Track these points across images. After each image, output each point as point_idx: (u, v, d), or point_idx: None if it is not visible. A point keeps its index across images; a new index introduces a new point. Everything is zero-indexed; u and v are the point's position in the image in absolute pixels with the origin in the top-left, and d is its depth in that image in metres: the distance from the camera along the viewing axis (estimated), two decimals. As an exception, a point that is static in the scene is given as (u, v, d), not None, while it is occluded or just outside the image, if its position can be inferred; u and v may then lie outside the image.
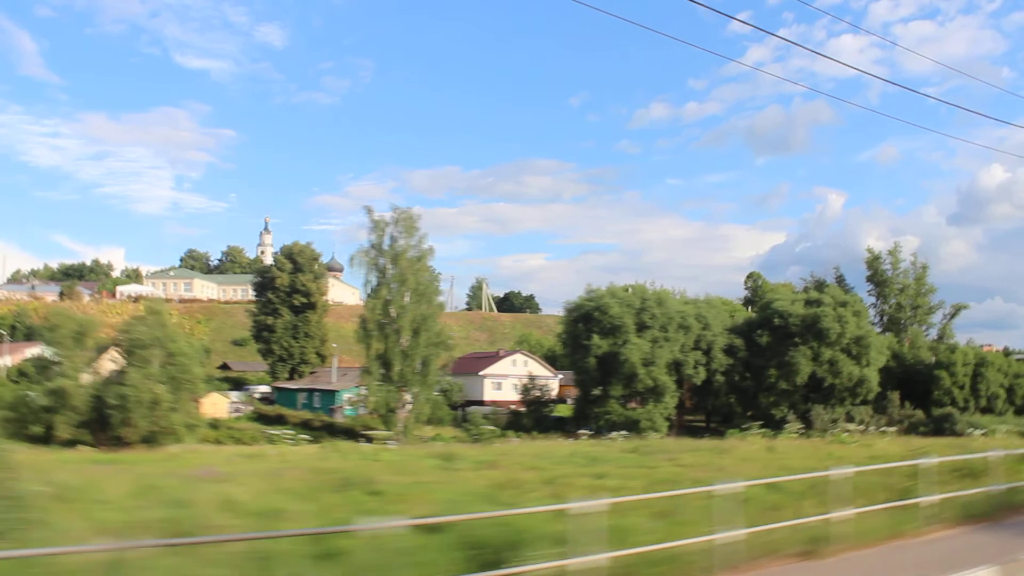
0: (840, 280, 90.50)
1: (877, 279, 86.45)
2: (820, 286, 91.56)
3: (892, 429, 57.62)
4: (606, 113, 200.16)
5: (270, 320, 75.39)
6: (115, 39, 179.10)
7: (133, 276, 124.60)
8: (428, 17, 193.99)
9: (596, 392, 58.16)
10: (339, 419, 61.04)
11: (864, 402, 64.20)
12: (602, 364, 56.84)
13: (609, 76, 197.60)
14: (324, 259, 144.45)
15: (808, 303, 61.41)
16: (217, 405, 65.77)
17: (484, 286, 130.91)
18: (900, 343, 69.27)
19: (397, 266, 50.97)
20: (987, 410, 64.05)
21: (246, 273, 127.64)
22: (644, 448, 33.66)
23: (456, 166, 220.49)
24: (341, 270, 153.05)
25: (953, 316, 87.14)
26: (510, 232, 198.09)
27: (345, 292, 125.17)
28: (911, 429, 57.52)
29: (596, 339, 56.54)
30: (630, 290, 62.91)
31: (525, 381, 64.76)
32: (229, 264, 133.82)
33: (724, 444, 34.72)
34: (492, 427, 60.39)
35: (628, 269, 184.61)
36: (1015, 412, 64.08)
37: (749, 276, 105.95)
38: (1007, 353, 69.34)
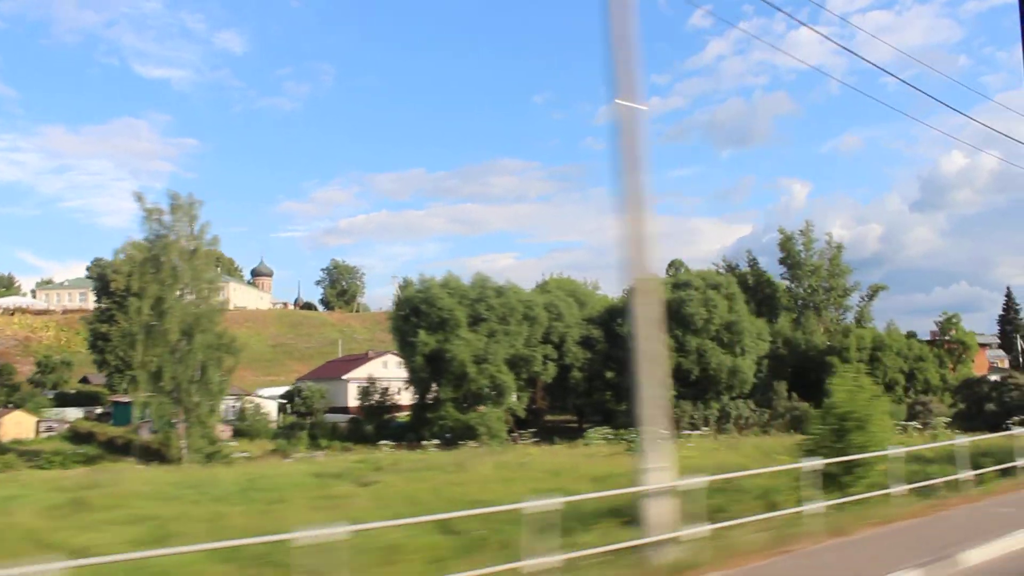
0: (753, 263, 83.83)
1: (790, 261, 79.81)
2: (731, 269, 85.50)
3: (751, 427, 50.98)
4: (571, 111, 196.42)
5: (104, 328, 68.08)
6: (71, 50, 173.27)
7: (7, 286, 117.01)
8: (388, 19, 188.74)
9: (430, 395, 51.16)
10: (145, 436, 53.85)
11: (746, 395, 57.45)
12: (432, 363, 49.78)
13: (573, 74, 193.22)
14: (251, 264, 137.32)
15: (676, 287, 54.45)
16: (22, 425, 58.74)
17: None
18: (797, 329, 62.32)
19: (169, 258, 43.91)
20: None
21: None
22: (352, 468, 26.95)
23: (421, 168, 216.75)
24: (271, 274, 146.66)
25: (871, 298, 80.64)
26: (478, 233, 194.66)
27: (251, 297, 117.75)
28: (794, 424, 50.72)
29: (423, 335, 49.49)
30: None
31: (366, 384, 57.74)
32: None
33: (471, 458, 28.40)
34: (327, 439, 53.66)
35: (596, 266, 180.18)
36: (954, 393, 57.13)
37: (671, 264, 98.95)
38: (911, 336, 62.41)
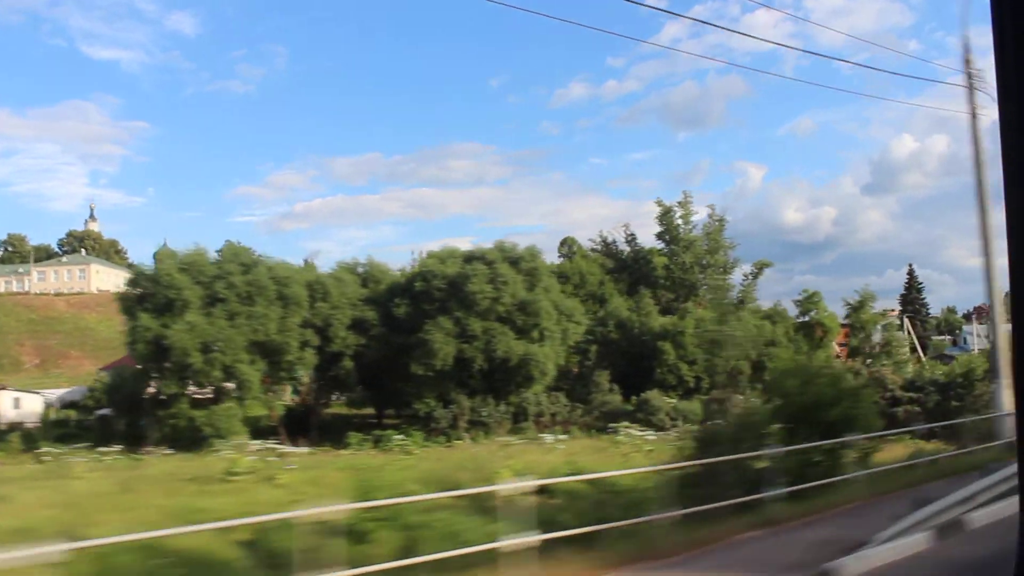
0: (631, 239, 75.97)
1: (668, 236, 71.92)
2: (607, 246, 77.70)
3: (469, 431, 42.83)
4: (526, 94, 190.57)
5: None
6: (15, 30, 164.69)
7: None
8: (342, 1, 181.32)
9: (166, 390, 43.17)
10: None
11: (564, 388, 49.68)
12: (158, 351, 41.85)
13: (528, 57, 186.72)
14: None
15: (467, 260, 46.39)
16: None
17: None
18: (633, 309, 54.38)
19: None
20: (725, 388, 49.41)
21: (29, 262, 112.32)
22: None
23: (378, 152, 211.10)
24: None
25: (756, 276, 72.91)
26: (436, 217, 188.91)
27: (111, 278, 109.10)
28: (609, 420, 43.03)
29: (145, 318, 41.50)
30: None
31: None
32: (11, 254, 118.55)
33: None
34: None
35: (554, 250, 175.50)
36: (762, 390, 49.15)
37: (563, 242, 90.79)
38: (768, 317, 54.59)
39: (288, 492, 20.59)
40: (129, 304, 44.06)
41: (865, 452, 16.43)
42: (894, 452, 21.87)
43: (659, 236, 71.98)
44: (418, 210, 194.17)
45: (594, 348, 52.25)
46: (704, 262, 69.59)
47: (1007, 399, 18.26)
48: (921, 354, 67.52)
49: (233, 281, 42.80)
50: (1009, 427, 18.39)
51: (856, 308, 51.66)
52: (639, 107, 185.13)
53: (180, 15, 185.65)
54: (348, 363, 45.63)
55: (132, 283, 45.10)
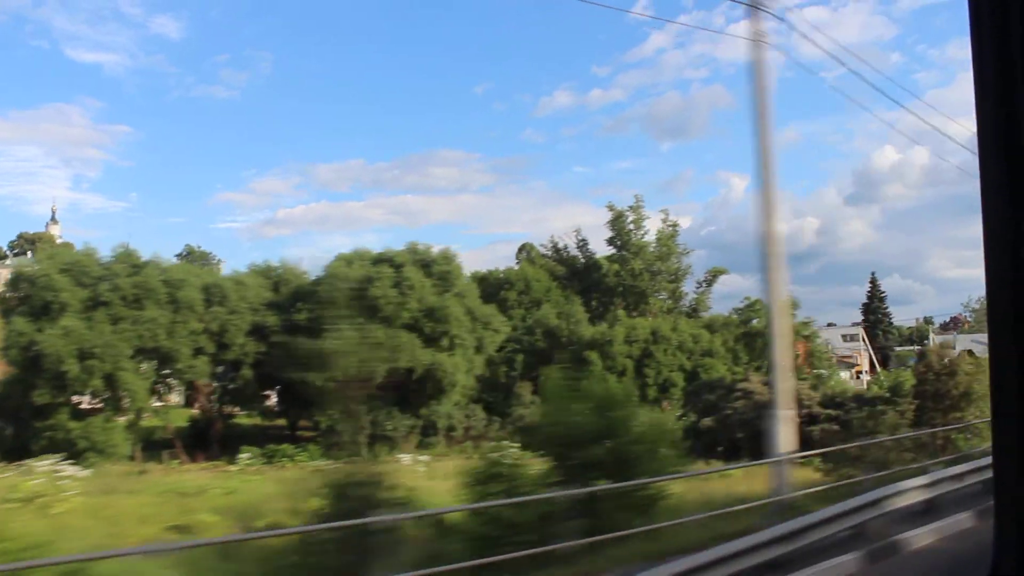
0: (583, 245, 73.23)
1: (619, 241, 69.29)
2: (558, 252, 75.09)
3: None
4: (511, 102, 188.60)
5: None
6: None
7: None
8: (327, 7, 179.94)
9: (39, 400, 40.33)
10: None
11: (484, 400, 46.93)
12: (33, 358, 39.04)
13: (513, 64, 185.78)
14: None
15: (376, 263, 43.63)
16: None
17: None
18: (561, 317, 51.55)
19: None
20: (656, 401, 46.53)
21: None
22: None
23: (361, 159, 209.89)
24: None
25: (710, 284, 70.47)
26: (419, 224, 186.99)
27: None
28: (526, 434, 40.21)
29: (19, 322, 38.74)
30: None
31: None
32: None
33: None
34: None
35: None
36: (683, 402, 46.03)
37: (521, 248, 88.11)
38: (707, 326, 51.78)
39: (50, 524, 17.85)
40: (8, 307, 41.28)
41: (646, 500, 13.33)
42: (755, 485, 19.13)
43: (610, 242, 69.41)
44: (402, 217, 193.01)
45: (520, 358, 49.49)
46: (654, 269, 67.05)
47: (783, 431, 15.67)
48: (878, 366, 64.85)
49: (119, 283, 40.03)
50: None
51: (744, 315, 48.90)
52: (624, 116, 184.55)
53: (164, 19, 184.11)
54: (247, 372, 42.83)
55: (12, 285, 42.32)
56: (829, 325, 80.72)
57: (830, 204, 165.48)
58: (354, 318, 40.14)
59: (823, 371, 43.07)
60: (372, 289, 40.76)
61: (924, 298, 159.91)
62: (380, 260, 43.60)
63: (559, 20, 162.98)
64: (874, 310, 72.45)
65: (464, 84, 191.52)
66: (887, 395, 34.23)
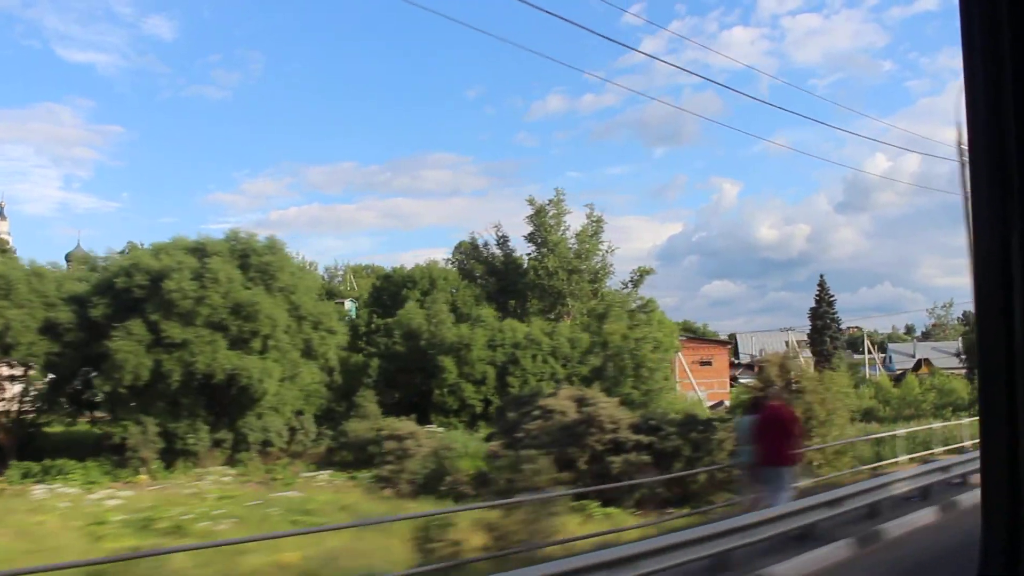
0: (503, 241, 67.23)
1: (539, 238, 63.37)
2: (475, 249, 69.21)
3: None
4: (503, 106, 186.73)
5: None
6: None
7: None
8: (319, 8, 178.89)
9: None
10: None
11: (328, 411, 41.42)
12: None
13: (505, 68, 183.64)
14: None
15: (194, 252, 38.28)
16: None
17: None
18: (428, 320, 45.71)
19: None
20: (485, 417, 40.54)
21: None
22: None
23: (353, 161, 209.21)
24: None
25: (636, 284, 64.21)
26: (412, 227, 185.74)
27: None
28: (358, 451, 34.73)
29: None
30: None
31: None
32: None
33: None
34: None
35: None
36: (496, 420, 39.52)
37: (458, 247, 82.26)
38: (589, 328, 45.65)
39: None
40: None
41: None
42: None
43: (529, 238, 63.53)
44: (394, 220, 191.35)
45: (375, 363, 43.90)
46: (571, 267, 61.02)
47: None
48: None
49: None
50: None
51: (600, 317, 42.67)
52: (616, 121, 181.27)
53: (157, 18, 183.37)
54: (36, 375, 37.82)
55: None
56: (785, 330, 73.86)
57: (820, 211, 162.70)
58: (147, 314, 34.37)
59: (654, 386, 36.69)
60: (167, 282, 35.50)
61: (915, 306, 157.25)
62: (196, 249, 38.31)
63: (551, 26, 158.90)
64: (822, 315, 65.27)
65: (455, 87, 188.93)
66: (725, 416, 28.19)
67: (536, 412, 27.43)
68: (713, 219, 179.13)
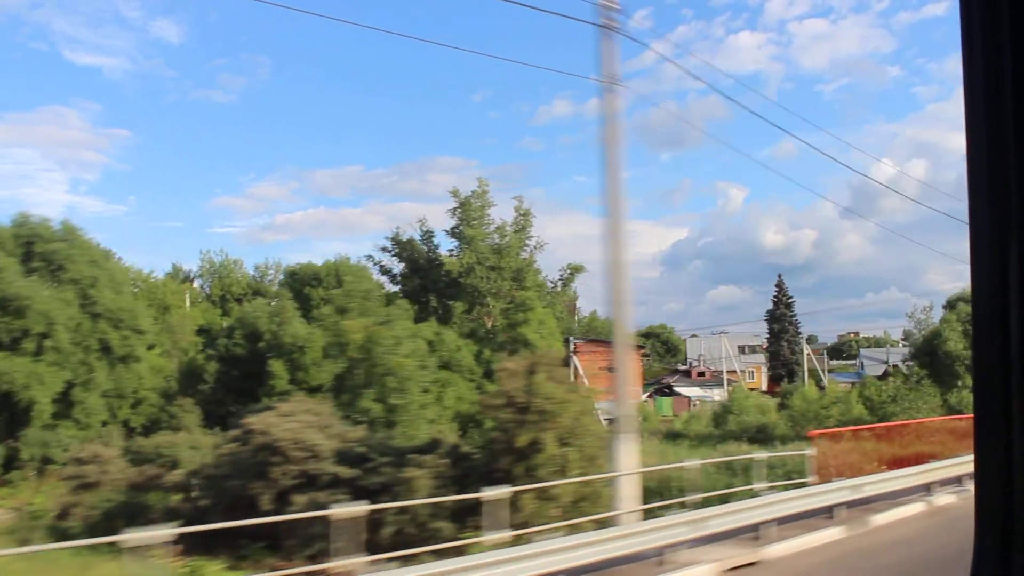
0: (428, 236, 61.38)
1: (461, 233, 57.57)
2: (404, 246, 63.45)
3: None
4: (508, 110, 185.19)
5: None
6: None
7: None
8: (325, 13, 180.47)
9: None
10: None
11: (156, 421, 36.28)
12: None
13: (511, 72, 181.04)
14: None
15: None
16: None
17: None
18: (271, 318, 40.17)
19: None
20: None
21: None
22: None
23: (359, 165, 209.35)
24: None
25: (567, 283, 58.09)
26: (418, 231, 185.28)
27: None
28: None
29: None
30: None
31: None
32: None
33: None
34: None
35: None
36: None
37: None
38: (471, 332, 39.43)
39: None
40: None
41: None
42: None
43: (451, 233, 57.81)
44: (399, 224, 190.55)
45: (212, 366, 38.59)
46: (490, 264, 54.98)
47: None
48: (764, 387, 50.87)
49: None
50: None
51: (340, 311, 36.04)
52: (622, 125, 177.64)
53: (164, 22, 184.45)
54: None
55: None
56: (718, 332, 66.26)
57: (827, 216, 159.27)
58: None
59: (406, 400, 29.96)
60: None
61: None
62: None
63: (557, 32, 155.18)
64: (779, 317, 57.29)
65: (461, 91, 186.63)
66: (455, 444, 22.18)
67: (236, 432, 21.67)
68: (719, 224, 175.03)
